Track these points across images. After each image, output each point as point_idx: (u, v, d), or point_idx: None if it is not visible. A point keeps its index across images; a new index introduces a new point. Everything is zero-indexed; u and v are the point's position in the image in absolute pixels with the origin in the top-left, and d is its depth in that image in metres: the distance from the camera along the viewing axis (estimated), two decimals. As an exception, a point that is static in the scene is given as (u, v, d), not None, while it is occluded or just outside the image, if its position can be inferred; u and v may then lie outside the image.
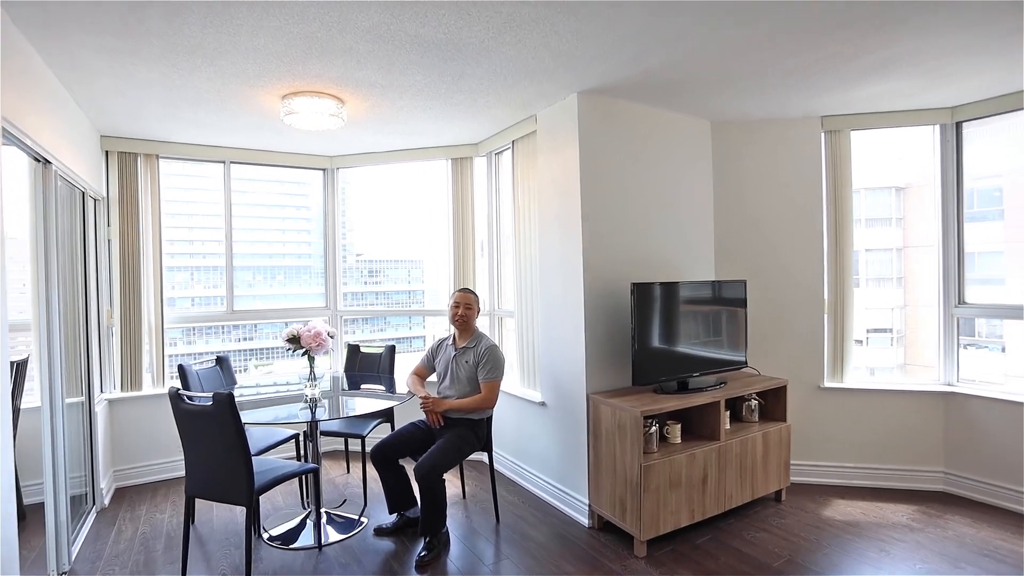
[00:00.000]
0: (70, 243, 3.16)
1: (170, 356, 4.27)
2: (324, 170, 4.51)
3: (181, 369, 3.15)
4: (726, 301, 3.40)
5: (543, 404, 3.46)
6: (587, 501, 3.08)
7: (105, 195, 3.68)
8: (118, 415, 3.69)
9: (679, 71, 2.74)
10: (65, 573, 2.66)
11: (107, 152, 3.68)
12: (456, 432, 2.92)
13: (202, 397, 2.41)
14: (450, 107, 3.23)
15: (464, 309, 3.07)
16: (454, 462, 2.85)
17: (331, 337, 3.11)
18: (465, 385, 3.02)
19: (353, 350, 3.97)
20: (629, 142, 3.26)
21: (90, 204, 3.40)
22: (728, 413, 3.11)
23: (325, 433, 3.37)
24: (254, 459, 2.82)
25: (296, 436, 3.40)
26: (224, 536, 3.01)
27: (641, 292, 3.01)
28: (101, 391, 3.66)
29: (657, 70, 2.72)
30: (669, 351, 3.14)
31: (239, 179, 4.26)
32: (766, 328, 3.61)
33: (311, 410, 2.97)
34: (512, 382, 3.95)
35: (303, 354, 3.01)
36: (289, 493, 3.57)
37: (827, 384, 3.57)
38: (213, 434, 2.40)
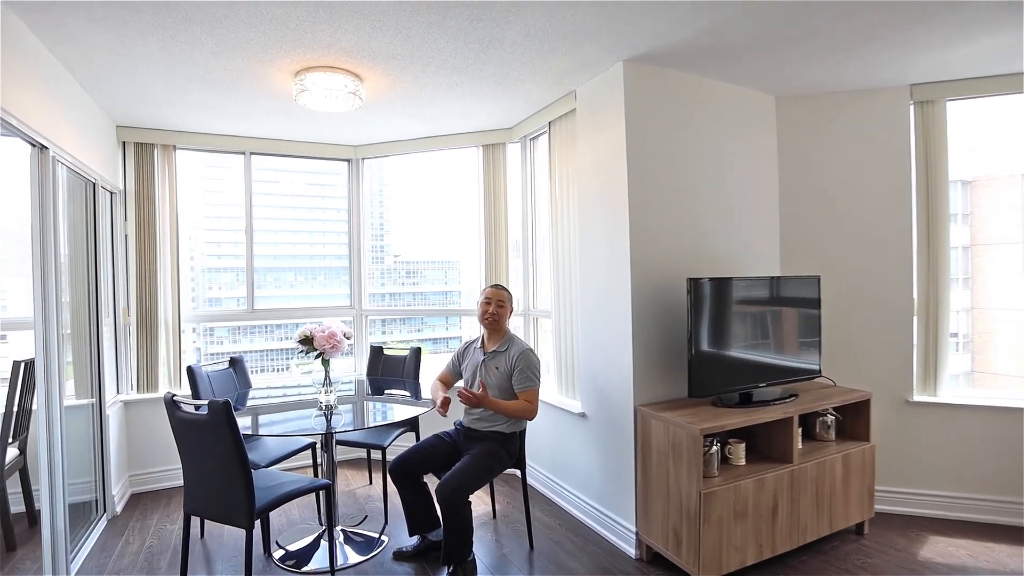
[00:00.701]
0: (80, 237, 3.00)
1: (210, 355, 4.11)
2: (348, 161, 4.26)
3: (190, 371, 2.92)
4: (797, 300, 2.94)
5: (583, 416, 3.08)
6: (634, 529, 2.69)
7: (122, 188, 3.52)
8: (134, 417, 3.52)
9: (740, 29, 2.31)
10: (64, 586, 2.46)
11: (124, 143, 3.52)
12: (485, 448, 2.58)
13: (199, 404, 2.15)
14: (479, 82, 2.89)
15: (495, 306, 2.73)
16: (482, 482, 2.51)
17: (347, 339, 2.83)
18: (496, 394, 2.67)
19: (376, 352, 3.69)
20: (682, 119, 2.84)
21: (103, 197, 3.23)
22: (799, 430, 2.65)
23: (342, 442, 3.09)
24: (263, 471, 2.59)
25: (313, 444, 3.14)
26: (233, 554, 2.77)
27: (698, 289, 2.60)
28: (117, 392, 3.50)
29: (715, 29, 2.31)
30: (731, 357, 2.71)
31: (264, 170, 4.06)
32: (842, 332, 3.12)
33: (326, 418, 2.69)
34: (549, 390, 3.58)
35: (316, 356, 2.73)
36: (306, 505, 3.31)
37: (917, 398, 3.05)
38: (210, 447, 2.14)
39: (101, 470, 3.12)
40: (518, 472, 2.81)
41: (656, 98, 2.76)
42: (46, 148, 2.41)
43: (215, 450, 2.12)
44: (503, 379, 2.67)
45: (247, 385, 3.27)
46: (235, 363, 3.25)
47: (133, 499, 3.45)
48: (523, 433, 2.77)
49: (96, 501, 3.09)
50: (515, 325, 3.94)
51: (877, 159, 3.09)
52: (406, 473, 2.62)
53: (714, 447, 2.43)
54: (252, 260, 3.97)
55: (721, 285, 2.69)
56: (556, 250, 3.37)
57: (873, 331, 3.09)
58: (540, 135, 3.64)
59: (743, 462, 2.56)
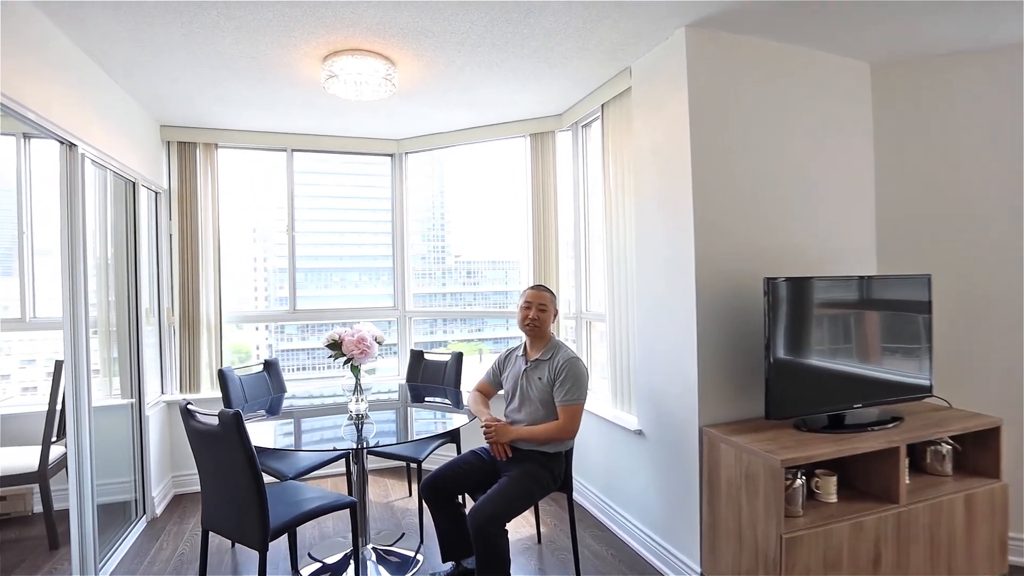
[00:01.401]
0: (121, 236, 2.97)
1: (283, 351, 4.07)
2: (391, 156, 4.09)
3: (221, 375, 2.82)
4: (901, 304, 2.44)
5: (640, 433, 2.72)
6: (699, 569, 2.31)
7: (167, 187, 3.50)
8: (177, 418, 3.48)
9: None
10: (91, 590, 2.39)
11: (168, 143, 3.51)
12: (525, 469, 2.29)
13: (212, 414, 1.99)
14: (520, 60, 2.61)
15: (537, 310, 2.43)
16: (520, 508, 2.21)
17: (379, 343, 2.62)
18: (538, 408, 2.38)
19: (416, 357, 3.48)
20: (757, 94, 2.43)
21: (145, 196, 3.21)
22: (906, 462, 2.18)
23: (374, 453, 2.89)
24: (287, 484, 2.43)
25: (348, 453, 2.96)
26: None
27: (777, 291, 2.18)
28: (162, 392, 3.49)
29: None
30: (818, 372, 2.27)
31: (307, 172, 3.97)
32: (958, 342, 2.59)
33: (356, 428, 2.50)
34: (602, 402, 3.24)
35: (345, 362, 2.54)
36: (340, 517, 3.13)
37: (1060, 425, 2.47)
38: (222, 459, 1.97)
39: (140, 471, 3.09)
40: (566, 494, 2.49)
41: (724, 70, 2.37)
42: (75, 145, 2.35)
43: (227, 464, 1.95)
44: (545, 391, 2.36)
45: (281, 389, 3.14)
46: (269, 366, 3.13)
47: (175, 500, 3.42)
48: (570, 453, 2.45)
49: (136, 502, 3.06)
50: (567, 328, 3.62)
51: (996, 134, 2.53)
52: (437, 493, 2.37)
53: (798, 480, 2.02)
54: (294, 259, 3.88)
55: (804, 286, 2.26)
56: (610, 246, 3.03)
57: (999, 343, 2.54)
58: (593, 120, 3.31)
59: (834, 499, 2.12)
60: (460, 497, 2.46)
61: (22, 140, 3.31)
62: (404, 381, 3.64)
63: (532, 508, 2.92)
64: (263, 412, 2.82)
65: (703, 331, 2.29)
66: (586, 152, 3.49)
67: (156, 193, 3.43)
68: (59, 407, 2.89)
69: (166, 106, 3.13)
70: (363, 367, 2.60)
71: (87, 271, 2.41)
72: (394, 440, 2.50)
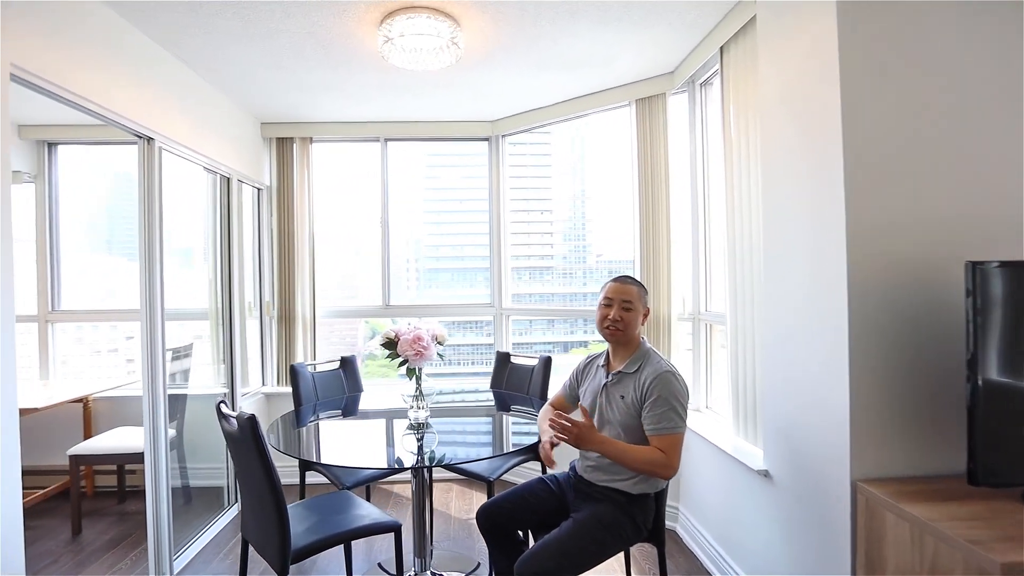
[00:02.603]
0: (221, 231, 3.05)
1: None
2: (487, 140, 3.78)
3: (292, 371, 2.71)
4: None
5: (765, 475, 2.04)
6: None
7: (269, 183, 3.58)
8: (274, 410, 3.54)
9: None
10: (164, 581, 2.40)
11: (269, 140, 3.58)
12: (598, 512, 1.78)
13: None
14: (606, -3, 2.09)
15: (620, 308, 1.89)
16: (582, 566, 1.69)
17: (439, 343, 2.29)
18: (619, 435, 1.84)
19: (502, 360, 3.11)
20: (930, 10, 1.63)
21: (246, 192, 3.28)
22: None
23: (441, 466, 2.57)
24: (335, 495, 2.21)
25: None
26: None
27: (989, 281, 1.40)
28: (263, 384, 3.57)
29: None
30: (1065, 413, 1.43)
31: (406, 161, 3.83)
32: None
33: (416, 439, 2.20)
34: (720, 427, 2.58)
35: (401, 364, 2.25)
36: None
37: None
38: (244, 466, 1.78)
39: (230, 460, 3.14)
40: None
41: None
42: (152, 139, 2.37)
43: (247, 471, 1.76)
44: (629, 414, 1.82)
45: (356, 388, 2.98)
46: (346, 363, 2.99)
47: (303, 486, 3.45)
48: (662, 495, 1.88)
49: (226, 490, 3.12)
50: (681, 333, 2.98)
51: None
52: (495, 525, 1.96)
53: (1028, 589, 1.24)
54: (388, 253, 3.76)
55: (1043, 275, 1.43)
56: (732, 229, 2.37)
57: None
58: (712, 75, 2.65)
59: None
60: (523, 531, 2.02)
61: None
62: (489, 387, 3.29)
63: (624, 555, 2.38)
64: (337, 412, 2.67)
65: (858, 340, 1.58)
66: (705, 117, 2.83)
67: (258, 189, 3.51)
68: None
69: (255, 100, 3.15)
70: (424, 368, 2.30)
71: (163, 261, 2.43)
72: (450, 459, 2.14)
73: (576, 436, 1.74)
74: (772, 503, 2.01)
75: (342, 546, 2.42)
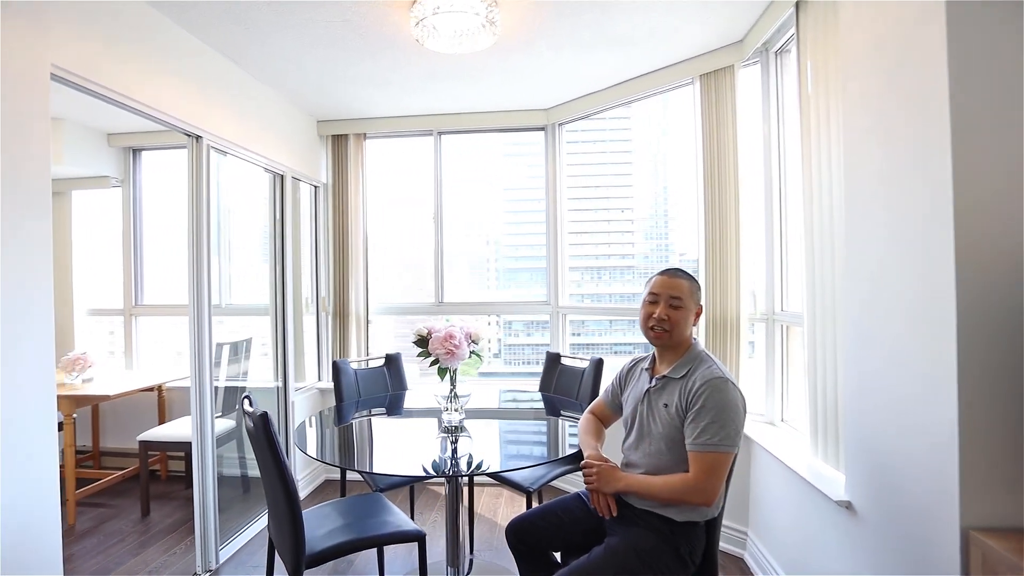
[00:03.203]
0: (275, 227, 3.11)
1: (508, 346, 3.97)
2: (543, 130, 3.60)
3: (335, 367, 2.69)
4: None
5: (847, 507, 1.70)
6: None
7: (325, 181, 3.62)
8: (327, 405, 3.57)
9: None
10: (211, 570, 2.44)
11: (326, 138, 3.62)
12: (634, 538, 1.55)
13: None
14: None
15: (667, 306, 1.64)
16: (616, 600, 1.48)
17: (474, 342, 2.15)
18: (661, 450, 1.61)
19: (552, 361, 2.92)
20: None
21: (301, 189, 3.33)
22: None
23: (470, 474, 2.43)
24: (372, 496, 2.14)
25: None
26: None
27: None
28: (319, 379, 3.62)
29: None
30: None
31: (459, 155, 3.74)
32: None
33: (449, 442, 2.08)
34: (793, 444, 2.24)
35: (432, 363, 2.13)
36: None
37: None
38: (263, 465, 1.73)
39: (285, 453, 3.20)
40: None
41: None
42: (200, 138, 2.43)
43: (265, 470, 1.70)
44: (673, 425, 1.58)
45: (401, 386, 2.91)
46: (391, 361, 2.93)
47: (326, 485, 3.49)
48: (715, 523, 1.62)
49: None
50: (751, 333, 2.64)
51: None
52: (523, 542, 1.78)
53: None
54: (442, 248, 3.68)
55: None
56: (810, 215, 2.03)
57: None
58: (788, 41, 2.31)
59: None
60: (555, 551, 1.83)
61: (221, 156, 3.75)
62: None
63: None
64: (378, 410, 2.62)
65: (970, 349, 1.23)
66: (781, 91, 2.48)
67: (315, 187, 3.56)
68: (220, 384, 3.14)
69: (309, 98, 3.18)
70: (457, 368, 2.17)
71: (211, 256, 2.48)
72: (485, 467, 1.98)
73: (599, 478, 1.59)
74: (855, 543, 1.67)
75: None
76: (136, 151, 3.78)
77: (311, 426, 2.39)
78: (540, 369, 2.95)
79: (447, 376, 2.15)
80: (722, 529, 2.58)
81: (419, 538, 1.86)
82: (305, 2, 2.09)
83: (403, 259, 3.98)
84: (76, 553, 2.57)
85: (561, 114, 3.44)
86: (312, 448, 1.95)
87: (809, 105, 2.02)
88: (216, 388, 3.08)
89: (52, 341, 1.69)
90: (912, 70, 1.37)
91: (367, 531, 1.84)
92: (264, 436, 1.61)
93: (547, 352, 2.99)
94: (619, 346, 3.79)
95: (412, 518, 2.97)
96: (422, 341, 2.14)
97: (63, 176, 3.61)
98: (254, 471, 3.22)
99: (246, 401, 1.83)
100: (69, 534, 2.77)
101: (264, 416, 1.61)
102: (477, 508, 3.14)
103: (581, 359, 2.77)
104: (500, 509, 3.12)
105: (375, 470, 1.87)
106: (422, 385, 3.13)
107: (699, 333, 2.74)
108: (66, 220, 3.72)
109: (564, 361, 2.88)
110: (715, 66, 2.63)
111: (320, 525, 1.89)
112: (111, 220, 3.76)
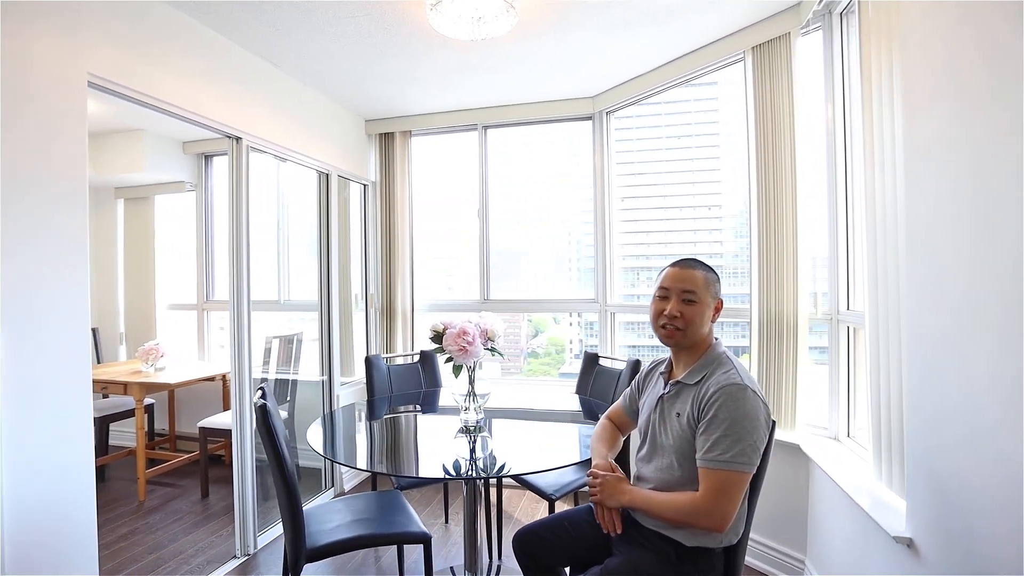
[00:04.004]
0: (321, 225, 3.21)
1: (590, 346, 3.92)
2: (590, 118, 3.43)
3: (367, 362, 2.71)
4: None
5: (908, 544, 1.43)
6: None
7: (374, 179, 3.69)
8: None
9: None
10: (248, 555, 2.55)
11: (373, 137, 3.68)
12: (635, 563, 1.40)
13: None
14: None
15: (679, 302, 1.46)
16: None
17: (490, 339, 2.06)
18: (672, 464, 1.43)
19: (590, 361, 2.76)
20: None
21: (341, 187, 3.40)
22: None
23: (486, 477, 2.34)
24: (391, 493, 2.13)
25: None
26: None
27: None
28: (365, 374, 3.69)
29: None
30: None
31: (505, 150, 3.67)
32: None
33: (468, 441, 2.02)
34: (855, 465, 1.95)
35: (447, 360, 2.06)
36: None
37: None
38: (269, 457, 1.75)
39: (331, 444, 3.28)
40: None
41: None
42: (240, 139, 2.53)
43: (270, 462, 1.72)
44: (685, 437, 1.40)
45: (435, 383, 2.88)
46: (425, 358, 2.91)
47: (372, 480, 3.54)
48: (736, 551, 1.41)
49: (323, 473, 3.26)
50: (810, 334, 2.34)
51: None
52: (525, 556, 1.67)
53: None
54: (488, 245, 3.63)
55: None
56: (872, 202, 1.75)
57: None
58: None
59: None
60: (563, 566, 1.70)
61: (280, 165, 3.95)
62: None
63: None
64: (409, 406, 2.61)
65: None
66: (848, 59, 2.16)
67: (364, 185, 3.64)
68: (271, 376, 3.29)
69: (352, 97, 3.24)
70: (474, 366, 2.09)
71: (250, 254, 2.58)
72: (496, 468, 1.89)
73: (602, 491, 1.44)
74: (915, 586, 1.40)
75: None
76: (208, 157, 4.06)
77: (322, 423, 2.38)
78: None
79: (462, 373, 2.07)
80: (777, 556, 2.32)
81: (424, 540, 1.81)
82: (325, 1, 2.10)
83: (449, 255, 3.97)
84: (139, 527, 2.79)
85: (607, 100, 3.26)
86: (317, 443, 1.94)
87: (871, 72, 1.74)
88: (266, 379, 3.24)
89: (87, 331, 1.80)
90: (981, 14, 1.11)
91: (373, 529, 1.82)
92: (263, 428, 1.62)
93: (585, 352, 2.84)
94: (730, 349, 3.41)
95: (446, 518, 2.96)
96: (438, 337, 2.09)
97: (145, 183, 3.97)
98: (306, 460, 3.35)
99: (259, 392, 1.87)
100: (138, 509, 3.02)
101: (263, 408, 1.62)
102: (508, 510, 3.05)
103: (620, 360, 2.60)
104: (541, 514, 3.01)
105: (375, 469, 1.83)
106: (529, 385, 3.10)
107: (750, 336, 2.47)
108: (149, 222, 4.08)
109: (602, 362, 2.71)
110: (768, 36, 2.35)
111: (329, 520, 1.89)
112: (185, 222, 4.07)
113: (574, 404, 2.57)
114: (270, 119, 2.74)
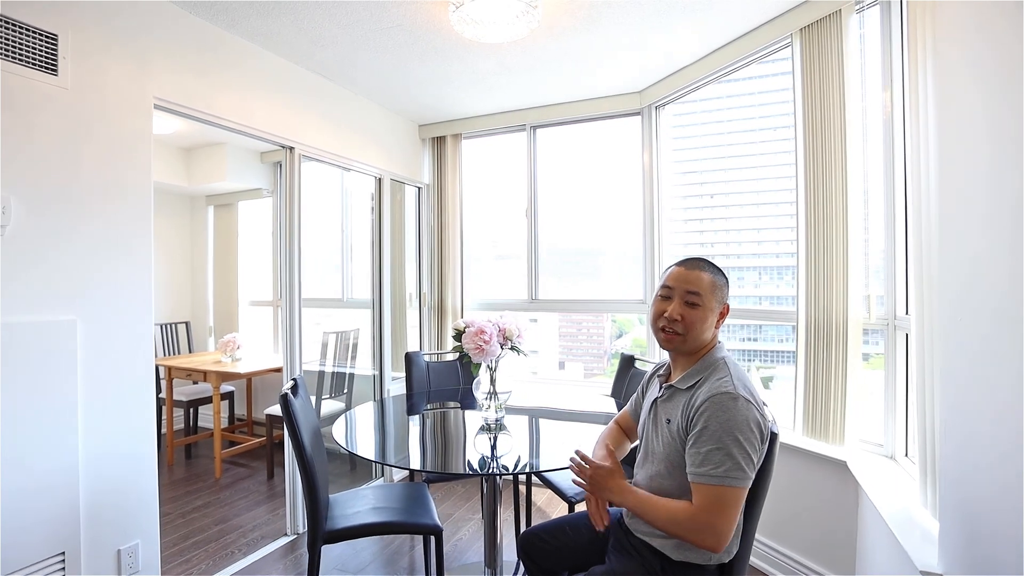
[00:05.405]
0: (373, 228, 3.40)
1: None
2: (638, 114, 3.34)
3: (407, 358, 2.82)
4: None
5: (936, 578, 1.28)
6: None
7: (428, 182, 3.83)
8: (428, 395, 3.77)
9: None
10: (298, 534, 2.75)
11: (427, 140, 3.82)
12: (617, 573, 1.36)
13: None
14: None
15: (682, 303, 1.39)
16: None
17: (507, 339, 2.08)
18: (661, 472, 1.37)
19: (626, 363, 2.69)
20: None
21: (394, 190, 3.56)
22: None
23: (500, 475, 2.34)
24: (414, 485, 2.22)
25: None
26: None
27: None
28: (421, 370, 3.84)
29: None
30: None
31: (556, 149, 3.67)
32: None
33: (489, 440, 2.06)
34: (902, 487, 1.76)
35: (465, 358, 2.11)
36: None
37: None
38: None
39: (382, 436, 3.45)
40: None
41: None
42: (293, 148, 2.74)
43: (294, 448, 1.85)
44: (674, 447, 1.34)
45: (471, 380, 2.94)
46: (464, 355, 2.97)
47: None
48: (731, 569, 1.33)
49: (373, 465, 3.43)
50: (860, 339, 2.13)
51: None
52: (527, 559, 1.67)
53: None
54: (536, 245, 3.64)
55: None
56: (916, 196, 1.57)
57: None
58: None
59: None
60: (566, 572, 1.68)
61: (344, 172, 4.20)
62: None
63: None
64: (445, 402, 2.69)
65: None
66: (904, 33, 1.94)
67: (418, 188, 3.79)
68: (328, 370, 3.52)
69: (404, 104, 3.38)
70: (492, 365, 2.13)
71: (301, 254, 2.78)
72: (511, 466, 1.91)
73: (590, 480, 1.37)
74: (941, 628, 1.25)
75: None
76: (282, 165, 4.41)
77: (346, 420, 2.48)
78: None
79: (482, 371, 2.11)
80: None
81: (435, 532, 1.87)
82: (359, 8, 2.22)
83: (498, 254, 4.02)
84: (211, 501, 3.11)
85: (655, 94, 3.15)
86: (341, 437, 2.05)
87: (916, 52, 1.56)
88: (323, 372, 3.48)
89: (151, 327, 2.05)
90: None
91: (387, 517, 1.90)
92: (285, 416, 1.76)
93: (621, 354, 2.77)
94: (773, 354, 3.22)
95: (483, 514, 3.01)
96: (459, 335, 2.14)
97: (229, 190, 4.39)
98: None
99: (290, 383, 2.02)
100: (213, 485, 3.36)
101: (284, 397, 1.75)
102: (548, 510, 3.04)
103: (653, 363, 2.51)
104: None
105: (390, 462, 1.92)
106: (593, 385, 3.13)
107: (796, 341, 2.29)
108: (234, 226, 4.51)
109: (638, 364, 2.64)
110: (816, 15, 2.17)
111: (352, 506, 2.00)
112: (264, 226, 4.45)
113: (609, 406, 2.52)
114: (322, 128, 2.94)
